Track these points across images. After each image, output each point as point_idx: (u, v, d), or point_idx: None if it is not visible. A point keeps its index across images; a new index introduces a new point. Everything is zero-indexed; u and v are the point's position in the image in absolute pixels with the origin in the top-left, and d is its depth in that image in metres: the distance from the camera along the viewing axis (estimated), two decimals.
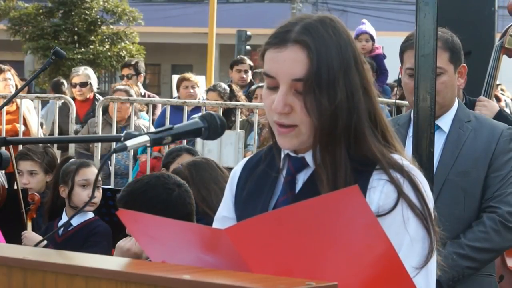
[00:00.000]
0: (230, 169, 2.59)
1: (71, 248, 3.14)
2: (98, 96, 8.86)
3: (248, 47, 19.09)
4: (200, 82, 9.19)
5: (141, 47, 21.08)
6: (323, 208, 1.73)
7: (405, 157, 2.07)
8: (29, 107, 7.92)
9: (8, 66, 8.18)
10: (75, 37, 20.88)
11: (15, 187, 5.12)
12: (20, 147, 6.38)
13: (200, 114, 2.55)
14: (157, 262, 1.82)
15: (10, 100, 6.69)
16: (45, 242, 4.43)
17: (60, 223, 4.84)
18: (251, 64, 9.93)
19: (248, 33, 19.48)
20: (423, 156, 2.87)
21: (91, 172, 4.88)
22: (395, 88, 9.37)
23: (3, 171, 5.39)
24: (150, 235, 1.86)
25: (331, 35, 2.02)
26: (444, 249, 2.18)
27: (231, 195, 2.23)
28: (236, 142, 7.25)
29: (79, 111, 8.52)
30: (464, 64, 3.65)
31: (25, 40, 21.08)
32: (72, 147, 7.96)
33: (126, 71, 9.57)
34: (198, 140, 7.04)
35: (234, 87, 8.64)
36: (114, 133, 7.36)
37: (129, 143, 1.94)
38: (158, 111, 8.83)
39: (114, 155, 6.19)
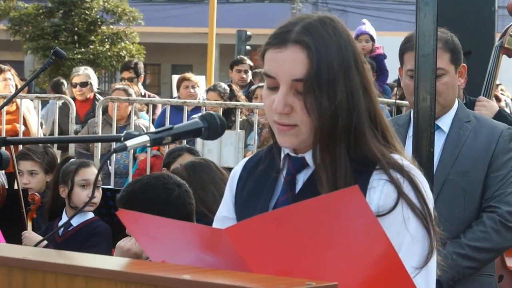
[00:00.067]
0: (230, 169, 2.59)
1: (71, 248, 3.14)
2: (98, 96, 8.86)
3: (248, 47, 19.09)
4: (200, 82, 9.19)
5: (141, 47, 21.09)
6: (323, 208, 1.73)
7: (405, 157, 2.07)
8: (29, 107, 7.92)
9: (8, 66, 8.18)
10: (75, 37, 20.89)
11: (15, 187, 5.12)
12: (20, 147, 6.38)
13: (200, 114, 2.55)
14: (157, 262, 1.82)
15: (10, 100, 6.69)
16: (45, 242, 4.43)
17: (60, 223, 4.84)
18: (251, 64, 9.93)
19: (248, 33, 19.48)
20: (423, 156, 2.87)
21: (91, 172, 4.88)
22: (395, 88, 9.37)
23: (3, 171, 5.38)
24: (150, 235, 1.86)
25: (331, 35, 2.02)
26: (444, 249, 2.18)
27: (231, 195, 2.23)
28: (236, 142, 7.25)
29: (79, 111, 8.52)
30: (464, 64, 3.66)
31: (25, 40, 21.09)
32: (72, 147, 7.96)
33: (126, 74, 9.55)
34: (198, 140, 7.04)
35: (234, 87, 8.64)
36: (114, 133, 7.36)
37: (129, 143, 1.94)
38: (158, 111, 8.83)
39: (113, 155, 6.19)
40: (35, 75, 5.06)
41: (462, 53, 3.64)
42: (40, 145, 5.58)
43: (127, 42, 21.00)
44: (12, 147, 4.80)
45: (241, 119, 7.53)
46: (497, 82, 5.54)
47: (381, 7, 27.56)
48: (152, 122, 8.06)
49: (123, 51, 20.67)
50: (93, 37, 20.84)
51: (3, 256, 1.65)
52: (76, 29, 20.78)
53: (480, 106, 4.30)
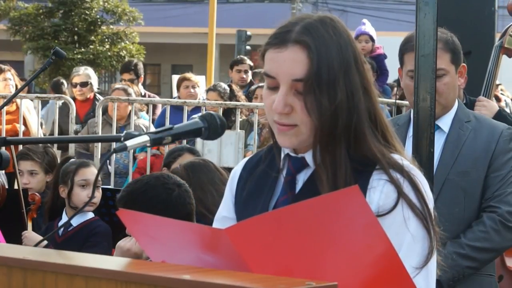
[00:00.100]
0: (230, 169, 2.59)
1: (71, 248, 3.14)
2: (98, 96, 8.86)
3: (248, 47, 19.09)
4: (200, 82, 9.19)
5: (141, 47, 21.09)
6: (323, 208, 1.73)
7: (405, 157, 2.07)
8: (29, 107, 7.92)
9: (8, 66, 8.18)
10: (75, 37, 20.90)
11: (15, 187, 5.12)
12: (20, 147, 6.38)
13: (200, 114, 2.55)
14: (157, 262, 1.82)
15: (10, 100, 6.69)
16: (45, 242, 4.43)
17: (60, 223, 4.84)
18: (251, 64, 9.93)
19: (248, 33, 19.48)
20: (423, 156, 2.87)
21: (90, 172, 4.88)
22: (395, 88, 9.38)
23: (3, 171, 5.38)
24: (150, 235, 1.86)
25: (332, 35, 2.02)
26: (444, 249, 2.18)
27: (231, 195, 2.23)
28: (236, 142, 7.24)
29: (80, 111, 8.52)
30: (464, 64, 3.66)
31: (25, 40, 21.10)
32: (72, 147, 7.96)
33: (126, 76, 9.53)
34: (198, 140, 7.04)
35: (234, 87, 8.64)
36: (114, 133, 7.36)
37: (129, 143, 1.94)
38: (158, 111, 8.83)
39: (113, 155, 6.19)
40: (35, 75, 5.06)
41: (462, 53, 3.64)
42: (40, 145, 5.59)
43: (127, 42, 21.01)
44: (12, 147, 4.80)
45: (241, 119, 7.53)
46: (497, 82, 5.54)
47: (381, 7, 27.56)
48: (152, 122, 8.06)
49: (123, 51, 20.68)
50: (93, 37, 20.85)
51: (3, 256, 1.65)
52: (76, 29, 20.78)
53: (480, 106, 4.30)
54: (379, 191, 2.00)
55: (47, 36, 20.72)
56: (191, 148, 5.54)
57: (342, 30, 2.05)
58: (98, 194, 4.90)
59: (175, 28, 28.97)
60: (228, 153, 7.25)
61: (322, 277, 1.66)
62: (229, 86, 8.56)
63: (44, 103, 10.60)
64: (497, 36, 4.78)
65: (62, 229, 4.80)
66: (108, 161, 6.93)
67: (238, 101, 8.16)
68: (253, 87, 8.64)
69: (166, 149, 6.88)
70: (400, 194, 1.99)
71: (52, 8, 21.18)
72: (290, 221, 1.70)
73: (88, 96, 8.77)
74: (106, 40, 20.90)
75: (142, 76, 9.82)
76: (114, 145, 6.26)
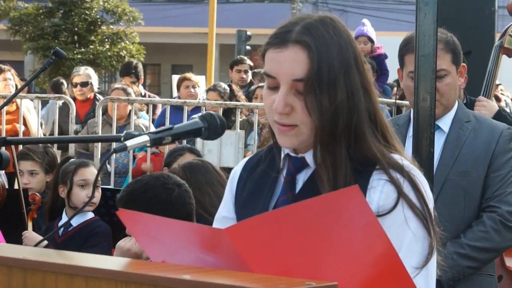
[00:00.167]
0: (230, 169, 2.59)
1: (71, 248, 3.15)
2: (98, 96, 8.86)
3: (248, 47, 19.09)
4: (200, 82, 9.19)
5: (141, 47, 21.10)
6: (323, 208, 1.73)
7: (405, 157, 2.07)
8: (29, 107, 7.92)
9: (8, 66, 8.18)
10: (75, 37, 20.90)
11: (16, 187, 5.12)
12: (20, 147, 6.38)
13: (200, 114, 2.55)
14: (157, 262, 1.82)
15: (10, 100, 6.69)
16: (45, 242, 4.43)
17: (60, 223, 4.84)
18: (251, 64, 9.93)
19: (248, 33, 19.48)
20: (423, 156, 2.87)
21: (90, 172, 4.88)
22: (395, 88, 9.38)
23: (3, 171, 5.39)
24: (150, 235, 1.86)
25: (332, 35, 2.02)
26: (444, 249, 2.18)
27: (231, 195, 2.23)
28: (236, 142, 7.25)
29: (80, 111, 8.52)
30: (464, 64, 3.67)
31: (25, 40, 21.10)
32: (72, 147, 7.96)
33: (127, 80, 9.51)
34: (198, 140, 7.04)
35: (234, 87, 8.64)
36: (114, 133, 7.36)
37: (129, 143, 1.94)
38: (158, 111, 8.83)
39: (113, 155, 6.19)
40: (35, 75, 5.06)
41: (462, 53, 3.64)
42: (40, 145, 5.58)
43: (127, 42, 21.01)
44: (12, 147, 4.80)
45: (241, 119, 7.53)
46: (497, 82, 5.54)
47: (381, 7, 27.56)
48: (152, 122, 8.06)
49: (123, 51, 20.69)
50: (93, 37, 20.85)
51: (3, 256, 1.65)
52: (76, 29, 20.79)
53: (479, 106, 4.30)
54: (379, 191, 2.00)
55: (47, 36, 20.72)
56: (192, 148, 5.54)
57: (343, 30, 2.05)
58: (98, 194, 4.90)
59: (175, 28, 28.97)
60: (228, 153, 7.25)
61: (322, 277, 1.66)
62: (229, 86, 8.56)
63: (44, 103, 10.60)
64: (497, 36, 4.78)
65: (62, 229, 4.80)
66: (107, 160, 6.92)
67: (238, 101, 8.15)
68: (253, 87, 8.64)
69: (166, 148, 6.88)
70: (400, 194, 1.99)
71: (52, 8, 21.19)
72: (290, 221, 1.70)
73: (89, 96, 8.77)
74: (106, 40, 20.91)
75: (142, 77, 9.82)
76: (114, 145, 6.26)
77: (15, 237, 4.58)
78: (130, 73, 9.60)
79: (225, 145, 7.22)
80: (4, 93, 7.75)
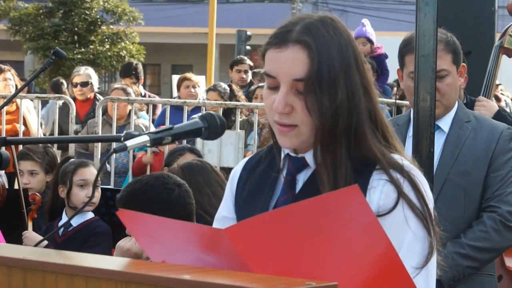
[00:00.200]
0: (230, 169, 2.59)
1: (71, 248, 3.14)
2: (98, 96, 8.86)
3: (248, 47, 19.09)
4: (200, 82, 9.19)
5: (141, 47, 21.10)
6: (323, 208, 1.73)
7: (405, 157, 2.07)
8: (29, 107, 7.92)
9: (8, 66, 8.18)
10: (75, 37, 20.90)
11: (16, 187, 5.12)
12: (20, 147, 6.38)
13: (200, 114, 2.55)
14: (157, 262, 1.82)
15: (10, 100, 6.69)
16: (45, 242, 4.43)
17: (60, 223, 4.84)
18: (251, 64, 9.93)
19: (248, 33, 19.48)
20: (423, 156, 2.87)
21: (89, 172, 4.88)
22: (395, 88, 9.38)
23: (3, 171, 5.39)
24: (150, 235, 1.86)
25: (332, 35, 2.02)
26: (444, 249, 2.18)
27: (231, 195, 2.23)
28: (236, 142, 7.25)
29: (80, 111, 8.52)
30: (464, 64, 3.67)
31: (25, 40, 21.10)
32: (72, 147, 7.97)
33: (128, 80, 9.52)
34: (198, 140, 7.04)
35: (234, 87, 8.64)
36: (114, 133, 7.36)
37: (129, 143, 1.94)
38: (158, 111, 8.83)
39: (113, 155, 6.19)
40: (35, 75, 5.06)
41: (462, 53, 3.65)
42: (40, 145, 5.58)
43: (127, 42, 21.01)
44: (12, 147, 4.80)
45: (241, 119, 7.53)
46: (497, 82, 5.54)
47: (381, 7, 27.56)
48: (152, 122, 8.06)
49: (123, 51, 20.69)
50: (93, 37, 20.85)
51: (3, 256, 1.65)
52: (76, 29, 20.79)
53: (479, 106, 4.31)
54: (379, 191, 2.00)
55: (47, 36, 20.72)
56: (193, 148, 5.54)
57: (343, 30, 2.05)
58: (98, 194, 4.90)
59: (175, 28, 28.97)
60: (228, 153, 7.25)
61: (322, 277, 1.66)
62: (229, 86, 8.56)
63: (44, 103, 10.60)
64: (497, 36, 4.78)
65: (62, 229, 4.80)
66: (107, 160, 6.91)
67: (238, 101, 8.16)
68: (253, 87, 8.64)
69: (166, 147, 6.88)
70: (400, 194, 1.99)
71: (52, 8, 21.19)
72: (290, 220, 1.70)
73: (89, 96, 8.77)
74: (106, 40, 20.91)
75: (142, 78, 9.82)
76: (114, 145, 6.26)
77: (15, 237, 4.58)
78: (130, 74, 9.60)
79: (225, 145, 7.22)
80: (4, 93, 7.75)
